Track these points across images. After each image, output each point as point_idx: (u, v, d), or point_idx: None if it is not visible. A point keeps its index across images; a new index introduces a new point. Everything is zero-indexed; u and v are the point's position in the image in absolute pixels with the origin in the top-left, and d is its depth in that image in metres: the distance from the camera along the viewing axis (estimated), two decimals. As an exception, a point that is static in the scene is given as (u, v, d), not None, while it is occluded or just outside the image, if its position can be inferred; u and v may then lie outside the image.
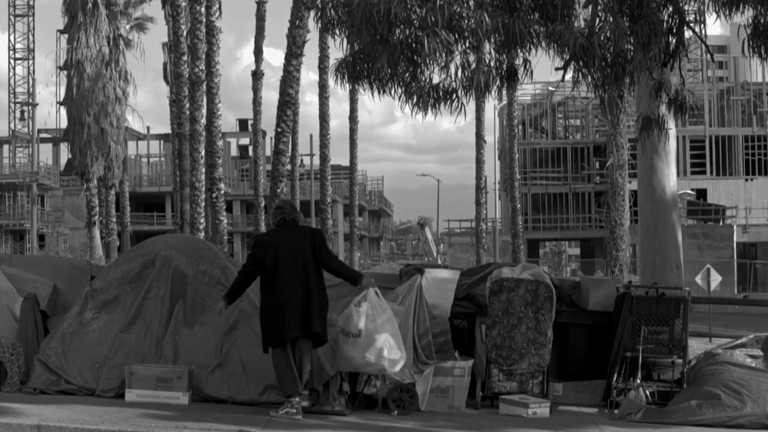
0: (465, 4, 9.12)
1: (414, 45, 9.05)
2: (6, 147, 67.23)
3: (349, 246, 53.03)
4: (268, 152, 43.63)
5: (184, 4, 32.21)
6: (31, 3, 67.42)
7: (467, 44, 9.23)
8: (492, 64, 9.81)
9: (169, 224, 62.10)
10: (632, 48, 9.22)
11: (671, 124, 11.90)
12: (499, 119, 57.89)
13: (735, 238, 47.93)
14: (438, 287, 10.30)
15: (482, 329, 10.21)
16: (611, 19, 9.14)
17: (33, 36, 67.99)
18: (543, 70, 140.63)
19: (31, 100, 59.73)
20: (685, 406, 9.24)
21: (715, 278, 28.03)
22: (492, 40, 9.32)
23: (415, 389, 9.30)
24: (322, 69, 44.06)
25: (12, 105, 67.53)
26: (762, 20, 9.35)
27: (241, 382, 9.36)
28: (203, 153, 29.74)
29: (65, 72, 43.80)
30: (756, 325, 18.23)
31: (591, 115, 61.25)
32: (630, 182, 31.64)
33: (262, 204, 42.43)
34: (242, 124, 75.23)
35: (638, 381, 9.73)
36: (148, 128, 70.29)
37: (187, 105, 30.70)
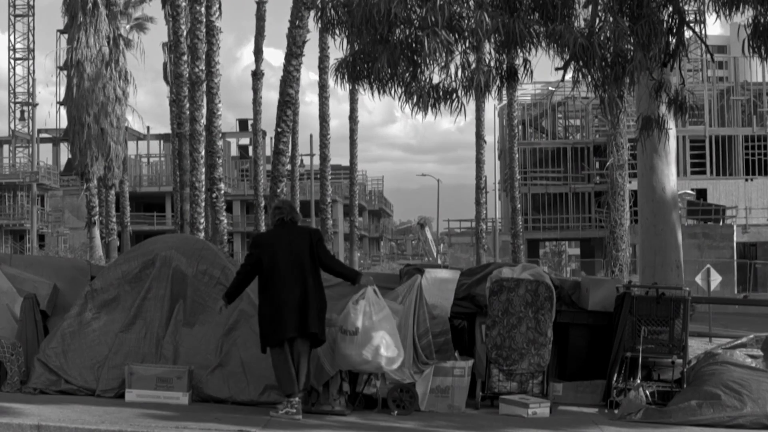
0: (465, 4, 9.12)
1: (414, 45, 9.05)
2: (6, 147, 67.24)
3: (349, 246, 53.04)
4: (268, 152, 43.63)
5: (184, 4, 32.20)
6: (31, 3, 67.44)
7: (467, 44, 9.23)
8: (492, 64, 9.80)
9: (169, 224, 62.10)
10: (632, 48, 9.22)
11: (671, 124, 11.90)
12: (499, 119, 57.90)
13: (735, 238, 47.94)
14: (438, 287, 10.30)
15: (482, 329, 10.21)
16: (611, 19, 9.13)
17: (33, 36, 68.07)
18: (543, 70, 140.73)
19: (31, 100, 59.77)
20: (685, 406, 9.24)
21: (715, 278, 28.04)
22: (492, 40, 9.32)
23: (415, 389, 9.30)
24: (322, 69, 44.05)
25: (12, 105, 67.57)
26: (762, 20, 9.35)
27: (241, 382, 9.36)
28: (203, 153, 29.73)
29: (65, 72, 43.80)
30: (756, 325, 18.23)
31: (591, 115, 61.25)
32: (630, 182, 31.62)
33: (262, 204, 42.43)
34: (242, 124, 75.24)
35: (638, 381, 9.73)
36: (148, 128, 70.33)
37: (187, 105, 30.70)
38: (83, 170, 41.44)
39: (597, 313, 10.41)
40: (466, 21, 8.94)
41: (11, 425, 7.76)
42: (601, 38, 9.12)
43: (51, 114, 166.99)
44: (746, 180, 56.89)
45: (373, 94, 9.83)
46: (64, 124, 46.62)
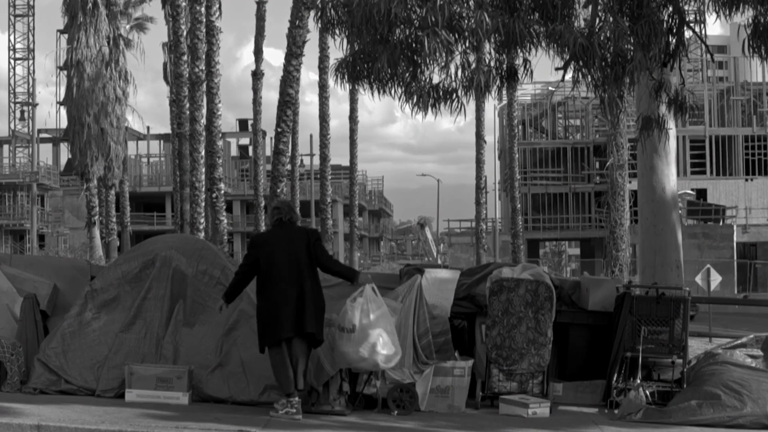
0: (465, 4, 9.12)
1: (414, 45, 9.05)
2: (6, 147, 67.25)
3: (349, 246, 53.04)
4: (268, 152, 43.64)
5: (184, 4, 32.21)
6: (31, 3, 67.45)
7: (467, 44, 9.23)
8: (492, 64, 9.80)
9: (169, 224, 62.11)
10: (632, 48, 9.22)
11: (671, 124, 11.90)
12: (499, 119, 57.90)
13: (735, 238, 47.95)
14: (438, 287, 10.30)
15: (482, 329, 10.21)
16: (611, 19, 9.13)
17: (33, 36, 68.07)
18: (543, 70, 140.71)
19: (31, 100, 59.77)
20: (685, 406, 9.24)
21: (715, 278, 28.06)
22: (492, 40, 9.32)
23: (415, 389, 9.30)
24: (322, 69, 44.07)
25: (12, 105, 67.58)
26: (762, 20, 9.34)
27: (241, 382, 9.36)
28: (203, 153, 29.74)
29: (65, 72, 43.80)
30: (756, 325, 18.24)
31: (591, 115, 61.25)
32: (630, 182, 31.64)
33: (262, 204, 42.44)
34: (242, 124, 75.25)
35: (638, 381, 9.73)
36: (148, 128, 70.34)
37: (187, 105, 30.70)
38: (83, 170, 41.45)
39: (597, 313, 10.41)
40: (466, 21, 8.94)
41: (11, 425, 7.76)
42: (601, 38, 9.12)
43: (51, 114, 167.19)
44: (746, 180, 56.90)
45: (373, 94, 9.84)
46: (64, 124, 46.67)
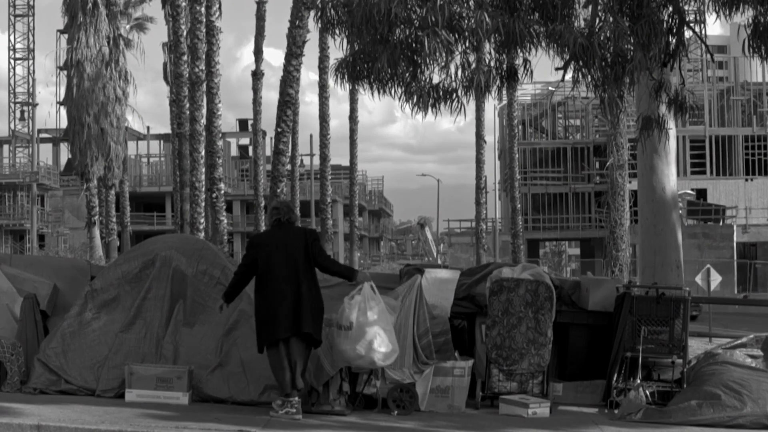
0: (465, 4, 9.12)
1: (414, 45, 9.05)
2: (6, 147, 67.25)
3: (349, 246, 53.04)
4: (268, 152, 43.64)
5: (184, 4, 32.20)
6: (31, 3, 67.44)
7: (467, 44, 9.23)
8: (492, 64, 9.80)
9: (169, 224, 62.11)
10: (632, 48, 9.22)
11: (671, 124, 11.90)
12: (499, 119, 57.90)
13: (735, 238, 47.99)
14: (438, 287, 10.30)
15: (482, 329, 10.21)
16: (611, 19, 9.13)
17: (33, 36, 68.06)
18: (543, 70, 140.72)
19: (31, 100, 59.77)
20: (685, 406, 9.23)
21: (715, 278, 28.08)
22: (492, 40, 9.32)
23: (415, 389, 9.30)
24: (322, 69, 44.08)
25: (12, 105, 67.57)
26: (762, 20, 9.35)
27: (241, 382, 9.36)
28: (203, 153, 29.74)
29: (65, 72, 43.80)
30: (756, 325, 18.24)
31: (591, 115, 61.25)
32: (630, 182, 31.63)
33: (262, 204, 42.44)
34: (242, 124, 75.25)
35: (638, 381, 9.73)
36: (148, 128, 70.33)
37: (187, 105, 30.70)
38: (83, 170, 41.45)
39: (597, 313, 10.41)
40: (466, 21, 8.94)
41: (11, 425, 7.76)
42: (601, 38, 9.12)
43: (51, 114, 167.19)
44: (746, 180, 56.90)
45: (373, 94, 9.85)
46: (64, 124, 46.66)
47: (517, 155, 46.33)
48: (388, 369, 9.27)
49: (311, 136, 59.81)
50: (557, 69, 9.59)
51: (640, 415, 9.26)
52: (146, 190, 69.80)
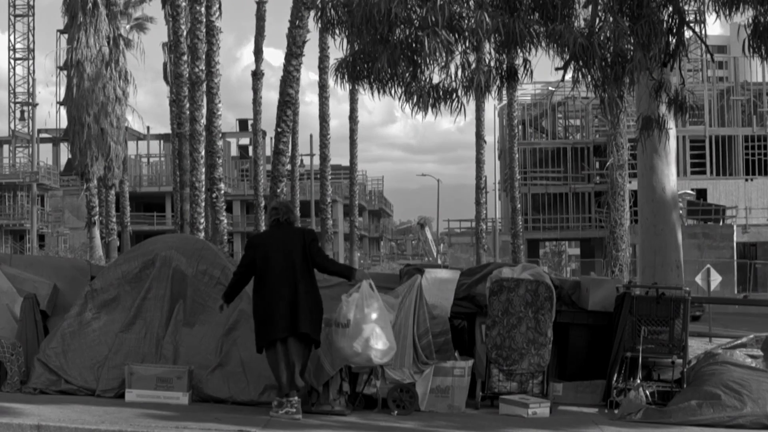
0: (465, 4, 9.12)
1: (414, 45, 9.05)
2: (6, 147, 67.25)
3: (349, 246, 53.04)
4: (268, 152, 43.65)
5: (184, 4, 32.21)
6: (31, 3, 67.44)
7: (467, 44, 9.23)
8: (492, 64, 9.80)
9: (169, 224, 62.11)
10: (632, 48, 9.22)
11: (671, 124, 11.90)
12: (499, 119, 57.90)
13: (735, 238, 47.99)
14: (438, 287, 10.30)
15: (482, 329, 10.21)
16: (611, 19, 9.13)
17: (33, 36, 68.06)
18: (543, 70, 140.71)
19: (31, 100, 59.77)
20: (685, 406, 9.23)
21: (715, 278, 28.09)
22: (492, 40, 9.32)
23: (415, 389, 9.30)
24: (322, 69, 44.09)
25: (12, 105, 67.57)
26: (762, 20, 9.35)
27: (241, 381, 9.37)
28: (203, 153, 29.74)
29: (65, 72, 43.79)
30: (756, 325, 18.24)
31: (591, 115, 61.25)
32: (630, 182, 31.62)
33: (262, 204, 42.44)
34: (242, 124, 75.25)
35: (638, 381, 9.73)
36: (148, 128, 70.33)
37: (187, 105, 30.70)
38: (83, 170, 41.44)
39: (597, 313, 10.41)
40: (466, 21, 8.94)
41: (11, 425, 7.76)
42: (601, 38, 9.12)
43: (51, 114, 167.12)
44: (746, 180, 56.90)
45: (373, 94, 9.85)
46: (64, 124, 46.66)
47: (517, 155, 46.34)
48: (388, 369, 9.28)
49: (311, 136, 59.89)
50: (557, 69, 9.59)
51: (640, 415, 9.26)
52: (146, 190, 69.80)
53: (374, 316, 8.69)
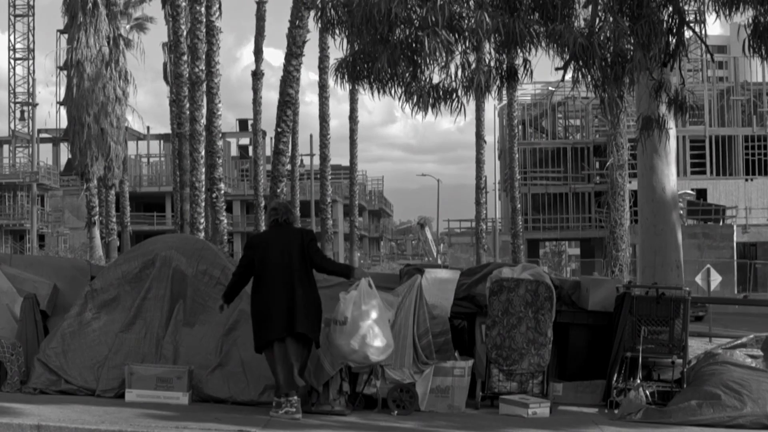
0: (465, 4, 9.12)
1: (414, 45, 9.05)
2: (6, 147, 67.25)
3: (349, 246, 53.05)
4: (268, 152, 43.65)
5: (184, 4, 32.21)
6: (31, 3, 67.44)
7: (467, 44, 9.23)
8: (492, 64, 9.80)
9: (169, 224, 62.12)
10: (632, 48, 9.22)
11: (671, 124, 11.90)
12: (499, 119, 57.91)
13: (735, 238, 48.00)
14: (438, 287, 10.29)
15: (482, 329, 10.21)
16: (611, 19, 9.14)
17: (33, 36, 68.08)
18: (543, 70, 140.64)
19: (31, 100, 59.77)
20: (685, 406, 9.23)
21: (715, 278, 28.08)
22: (492, 40, 9.32)
23: (415, 389, 9.30)
24: (322, 69, 44.10)
25: (12, 105, 67.58)
26: (762, 20, 9.35)
27: (241, 382, 9.37)
28: (203, 153, 29.74)
29: (65, 72, 43.80)
30: (756, 325, 18.25)
31: (591, 115, 61.26)
32: (630, 182, 31.62)
33: (262, 204, 42.44)
34: (242, 124, 75.26)
35: (638, 381, 9.73)
36: (148, 128, 70.34)
37: (187, 105, 30.70)
38: (83, 170, 41.45)
39: (597, 313, 10.41)
40: (466, 21, 8.95)
41: (11, 425, 7.76)
42: (601, 38, 9.12)
43: (51, 114, 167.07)
44: (746, 180, 56.91)
45: (373, 94, 9.85)
46: (64, 124, 46.66)
47: (517, 155, 46.34)
48: (388, 369, 9.28)
49: (311, 136, 59.89)
50: (557, 69, 9.59)
51: (640, 415, 9.26)
52: (146, 190, 69.80)
53: (372, 313, 8.69)
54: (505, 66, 9.93)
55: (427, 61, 9.19)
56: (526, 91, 61.14)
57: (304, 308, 8.73)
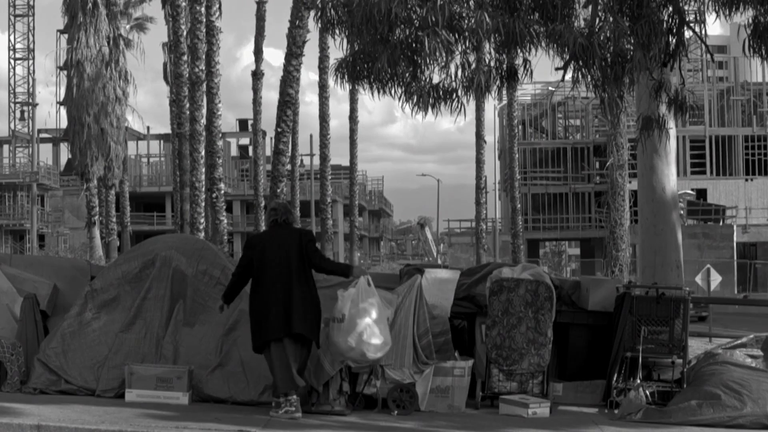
0: (465, 4, 9.12)
1: (414, 45, 9.05)
2: (6, 147, 67.25)
3: (349, 246, 53.05)
4: (268, 152, 43.65)
5: (184, 4, 32.21)
6: (31, 3, 67.44)
7: (467, 44, 9.23)
8: (492, 64, 9.81)
9: (169, 224, 62.12)
10: (632, 48, 9.22)
11: (671, 124, 11.90)
12: (499, 119, 57.90)
13: (735, 238, 48.00)
14: (438, 287, 10.29)
15: (482, 329, 10.21)
16: (611, 19, 9.14)
17: (33, 36, 68.08)
18: (543, 70, 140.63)
19: (31, 100, 59.77)
20: (685, 406, 9.23)
21: (715, 278, 28.08)
22: (492, 40, 9.32)
23: (415, 389, 9.30)
24: (322, 69, 44.10)
25: (12, 105, 67.58)
26: (762, 20, 9.35)
27: (241, 381, 9.37)
28: (203, 153, 29.75)
29: (65, 72, 43.80)
30: (756, 325, 18.25)
31: (591, 115, 61.26)
32: (630, 182, 31.63)
33: (262, 204, 42.44)
34: (242, 124, 75.27)
35: (638, 381, 9.73)
36: (148, 128, 70.35)
37: (187, 105, 30.71)
38: (83, 170, 41.45)
39: (597, 313, 10.40)
40: (466, 21, 8.95)
41: (11, 425, 7.76)
42: (601, 38, 9.13)
43: (51, 114, 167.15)
44: (746, 180, 56.90)
45: (373, 94, 9.85)
46: (64, 124, 46.67)
47: (517, 155, 46.34)
48: (388, 369, 9.28)
49: (311, 136, 59.89)
50: (557, 69, 9.59)
51: (640, 415, 9.26)
52: (146, 190, 69.81)
53: (370, 311, 8.69)
54: (505, 66, 9.93)
55: (427, 61, 9.19)
56: (526, 91, 61.16)
57: (302, 308, 8.73)
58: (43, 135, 65.38)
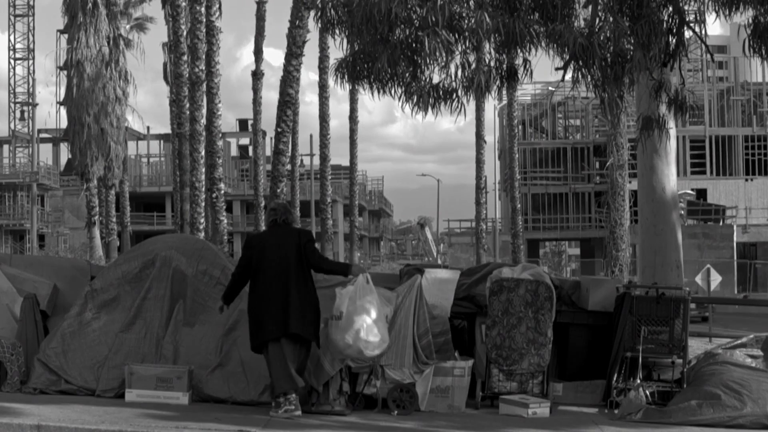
0: (465, 4, 9.12)
1: (414, 45, 9.05)
2: (6, 147, 67.26)
3: (349, 246, 53.05)
4: (268, 152, 43.65)
5: (184, 4, 32.22)
6: (31, 3, 67.45)
7: (467, 44, 9.23)
8: (492, 64, 9.80)
9: (169, 224, 62.12)
10: (632, 48, 9.22)
11: (671, 124, 11.90)
12: (499, 119, 57.90)
13: (735, 238, 48.01)
14: (438, 287, 10.29)
15: (482, 329, 10.21)
16: (611, 19, 9.14)
17: (33, 36, 68.09)
18: (543, 70, 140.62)
19: (31, 100, 59.77)
20: (685, 406, 9.23)
21: (715, 278, 28.10)
22: (492, 40, 9.32)
23: (415, 389, 9.30)
24: (322, 69, 44.11)
25: (12, 105, 67.58)
26: (762, 20, 9.35)
27: (241, 381, 9.37)
28: (203, 153, 29.75)
29: (65, 72, 43.80)
30: (756, 325, 18.26)
31: (591, 115, 61.26)
32: (630, 182, 31.63)
33: (262, 204, 42.45)
34: (242, 124, 75.27)
35: (638, 381, 9.73)
36: (148, 128, 70.34)
37: (187, 105, 30.71)
38: (83, 170, 41.45)
39: (597, 313, 10.40)
40: (466, 21, 8.95)
41: (11, 425, 7.76)
42: (601, 38, 9.13)
43: (51, 114, 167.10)
44: (746, 180, 56.91)
45: (373, 94, 9.85)
46: (64, 124, 46.67)
47: (517, 155, 46.35)
48: (388, 369, 9.28)
49: (311, 136, 59.90)
50: (557, 69, 9.59)
51: (640, 415, 9.26)
52: (146, 190, 69.81)
53: (368, 308, 8.68)
54: (505, 66, 9.93)
55: (427, 61, 9.19)
56: (526, 91, 61.16)
57: (300, 308, 8.72)
58: (43, 135, 65.38)
